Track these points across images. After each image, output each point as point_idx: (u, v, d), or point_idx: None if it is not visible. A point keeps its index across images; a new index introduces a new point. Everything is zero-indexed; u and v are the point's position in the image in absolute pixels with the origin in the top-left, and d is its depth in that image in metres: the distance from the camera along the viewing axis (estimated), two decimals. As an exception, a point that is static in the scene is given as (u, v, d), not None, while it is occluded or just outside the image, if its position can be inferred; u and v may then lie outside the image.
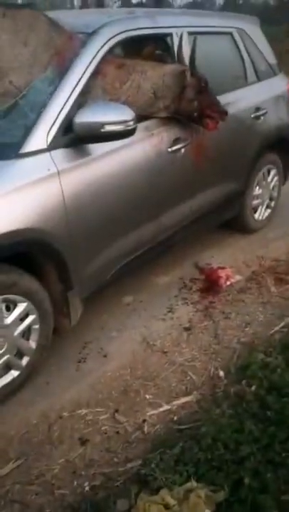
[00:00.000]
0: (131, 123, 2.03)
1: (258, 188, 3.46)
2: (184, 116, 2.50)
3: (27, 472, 1.80)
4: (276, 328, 2.56)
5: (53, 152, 2.00)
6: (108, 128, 1.99)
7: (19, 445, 1.92)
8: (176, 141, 2.54)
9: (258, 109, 3.21)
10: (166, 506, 1.57)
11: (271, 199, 3.66)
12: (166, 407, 2.08)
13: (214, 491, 1.62)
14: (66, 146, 2.04)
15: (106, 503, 1.63)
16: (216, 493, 1.61)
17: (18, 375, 2.12)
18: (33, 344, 2.14)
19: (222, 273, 3.01)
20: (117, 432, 1.97)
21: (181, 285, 2.97)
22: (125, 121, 2.02)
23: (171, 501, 1.59)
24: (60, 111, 2.03)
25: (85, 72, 2.15)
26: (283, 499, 1.60)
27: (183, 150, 2.58)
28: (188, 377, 2.25)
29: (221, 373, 2.25)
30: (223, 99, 2.69)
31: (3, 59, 2.22)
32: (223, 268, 3.06)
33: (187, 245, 3.18)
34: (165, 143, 2.48)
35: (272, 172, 3.58)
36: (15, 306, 2.02)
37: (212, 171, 2.90)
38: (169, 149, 2.51)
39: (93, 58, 2.20)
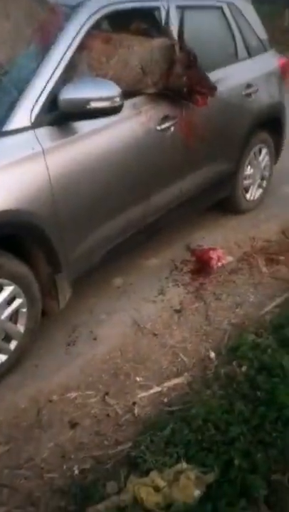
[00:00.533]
0: (117, 99, 1.96)
1: (249, 167, 3.41)
2: (173, 92, 2.43)
3: (16, 456, 1.78)
4: (267, 309, 2.54)
5: (38, 130, 1.94)
6: (94, 104, 1.93)
7: (8, 429, 1.89)
8: (164, 119, 2.47)
9: (249, 86, 3.14)
10: (156, 488, 1.56)
11: (263, 179, 3.61)
12: (156, 389, 2.06)
13: (204, 472, 1.61)
14: (51, 123, 1.98)
15: (95, 487, 1.61)
16: (206, 474, 1.61)
17: (7, 359, 2.09)
18: (21, 328, 2.10)
19: (213, 254, 2.98)
20: (107, 415, 1.95)
21: (172, 267, 2.94)
22: (111, 98, 1.95)
23: (161, 483, 1.58)
24: (44, 87, 1.96)
25: (69, 47, 2.07)
26: (273, 479, 1.60)
27: (172, 128, 2.51)
28: (179, 359, 2.23)
29: (212, 354, 2.23)
30: (213, 75, 2.62)
31: (-16, 34, 2.13)
32: (214, 249, 3.03)
33: (178, 227, 3.13)
34: (153, 121, 2.41)
35: (264, 151, 3.52)
36: (1, 289, 1.98)
37: (202, 150, 2.84)
38: (158, 127, 2.44)
39: (78, 32, 2.12)
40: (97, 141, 2.14)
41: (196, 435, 1.74)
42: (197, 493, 1.55)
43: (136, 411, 1.96)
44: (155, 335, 2.39)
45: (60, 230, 2.04)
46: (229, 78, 3.00)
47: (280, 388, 1.90)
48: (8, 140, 1.87)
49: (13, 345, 2.10)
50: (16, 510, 1.59)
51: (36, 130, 1.93)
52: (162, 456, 1.68)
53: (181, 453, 1.69)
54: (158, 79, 2.33)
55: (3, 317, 2.00)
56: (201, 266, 2.93)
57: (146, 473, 1.63)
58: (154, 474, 1.61)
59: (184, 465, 1.63)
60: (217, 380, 2.06)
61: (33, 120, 1.92)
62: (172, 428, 1.79)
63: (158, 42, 2.35)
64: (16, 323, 2.08)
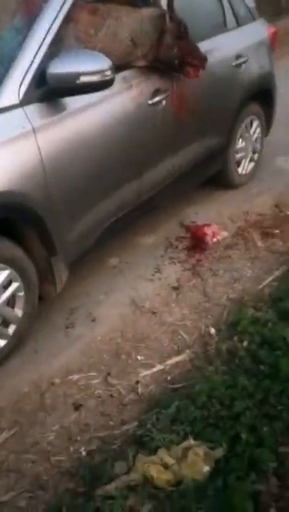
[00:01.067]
0: (108, 72, 1.89)
1: (240, 140, 3.36)
2: (164, 64, 2.36)
3: (22, 441, 1.77)
4: (265, 283, 2.54)
5: (27, 108, 1.86)
6: (84, 79, 1.85)
7: (11, 415, 1.88)
8: (156, 93, 2.40)
9: (238, 56, 3.06)
10: (165, 466, 1.56)
11: (254, 152, 3.56)
12: (159, 367, 2.06)
13: (212, 447, 1.62)
14: (40, 100, 1.90)
15: (104, 467, 1.61)
16: (213, 449, 1.61)
17: (6, 344, 2.06)
18: (18, 312, 2.07)
19: (208, 230, 2.95)
20: (111, 395, 1.94)
21: (167, 244, 2.91)
22: (102, 71, 1.88)
23: (170, 460, 1.58)
24: (32, 62, 1.88)
25: (55, 19, 1.98)
26: (281, 451, 1.61)
27: (164, 102, 2.45)
28: (180, 337, 2.22)
29: (212, 331, 2.22)
30: (201, 46, 2.54)
31: None
32: (208, 225, 3.00)
33: (171, 203, 3.09)
34: (145, 95, 2.34)
35: (255, 123, 3.47)
36: (-3, 274, 1.94)
37: (194, 124, 2.77)
38: (149, 101, 2.37)
39: (63, 3, 2.02)
40: (88, 117, 2.07)
41: (202, 411, 1.74)
42: (206, 468, 1.56)
43: (139, 390, 1.95)
44: (154, 313, 2.37)
45: (53, 211, 1.99)
46: (218, 49, 2.92)
47: (282, 361, 1.90)
48: (-3, 119, 1.80)
49: (11, 330, 2.07)
50: (24, 494, 1.59)
51: (25, 107, 1.86)
52: (169, 434, 1.68)
53: (187, 430, 1.68)
54: (148, 51, 2.26)
55: (0, 302, 1.97)
56: (196, 242, 2.91)
57: (154, 451, 1.63)
58: (162, 452, 1.61)
59: (191, 441, 1.63)
60: (219, 355, 2.05)
61: (21, 97, 1.85)
62: (177, 405, 1.79)
63: (147, 12, 2.26)
64: (13, 307, 2.05)
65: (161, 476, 1.53)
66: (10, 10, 2.02)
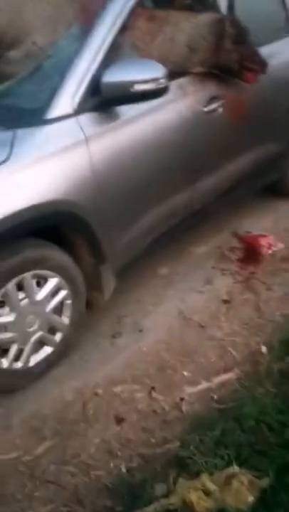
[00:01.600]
0: (162, 80, 1.85)
1: (301, 148, 3.20)
2: (222, 70, 2.29)
3: (62, 452, 1.76)
4: None
5: (80, 117, 1.86)
6: (138, 87, 1.82)
7: (54, 423, 1.87)
8: (212, 100, 2.33)
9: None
10: (207, 492, 1.49)
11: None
12: (205, 384, 1.98)
13: (258, 476, 1.53)
14: (94, 109, 1.89)
15: (143, 487, 1.56)
16: (259, 479, 1.52)
17: (52, 352, 2.07)
18: (66, 320, 2.07)
19: (263, 241, 2.83)
20: (154, 411, 1.89)
21: (219, 255, 2.81)
22: (156, 79, 1.84)
23: (212, 487, 1.51)
24: (86, 71, 1.88)
25: (112, 28, 1.97)
26: None
27: (220, 109, 2.37)
28: (228, 353, 2.13)
29: (264, 349, 2.12)
30: (262, 51, 2.44)
31: (25, 17, 2.07)
32: (264, 236, 2.88)
33: (225, 212, 2.99)
34: (201, 102, 2.28)
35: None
36: (46, 281, 1.94)
37: (251, 131, 2.68)
38: (205, 109, 2.31)
39: (121, 11, 2.01)
40: (141, 126, 2.04)
41: (249, 436, 1.66)
42: (250, 498, 1.47)
43: (183, 407, 1.89)
44: (202, 327, 2.30)
45: (103, 219, 1.97)
46: (279, 54, 2.80)
47: None
48: (51, 128, 1.81)
49: (58, 337, 2.07)
50: (63, 508, 1.57)
51: (79, 117, 1.86)
52: (212, 458, 1.61)
53: (232, 455, 1.60)
54: (206, 56, 2.19)
55: (48, 309, 1.97)
56: (250, 253, 2.80)
57: (196, 475, 1.56)
58: (204, 477, 1.54)
59: (236, 468, 1.55)
60: (270, 376, 1.95)
61: (75, 106, 1.85)
62: (223, 427, 1.71)
63: (205, 17, 2.20)
64: (60, 315, 2.05)
65: (201, 503, 1.46)
66: (68, 19, 2.03)
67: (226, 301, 2.46)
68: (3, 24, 2.01)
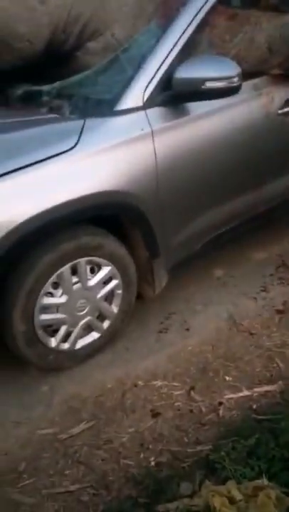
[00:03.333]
0: (235, 79, 1.82)
1: None
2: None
3: (96, 436, 1.80)
4: None
5: (149, 110, 1.88)
6: (209, 84, 1.81)
7: (92, 407, 1.92)
8: (288, 103, 2.26)
9: None
10: (232, 500, 1.46)
11: None
12: (246, 392, 1.94)
13: (287, 493, 1.47)
14: (163, 104, 1.91)
15: (169, 483, 1.56)
16: (288, 496, 1.47)
17: (99, 338, 2.12)
18: (115, 309, 2.11)
19: None
20: (191, 411, 1.88)
21: (279, 263, 2.73)
22: (229, 77, 1.82)
23: (238, 495, 1.47)
24: (160, 66, 1.89)
25: (190, 24, 1.96)
26: None
27: (296, 112, 2.30)
28: (275, 365, 2.07)
29: (313, 365, 2.04)
30: None
31: (108, 10, 2.12)
32: None
33: (289, 220, 2.90)
34: (275, 104, 2.22)
35: None
36: (99, 268, 1.99)
37: None
38: (280, 111, 2.25)
39: (201, 9, 2.00)
40: (209, 123, 2.03)
41: (283, 451, 1.60)
42: (276, 514, 1.42)
43: (221, 412, 1.86)
44: (251, 334, 2.24)
45: (161, 214, 1.98)
46: None
47: None
48: (119, 120, 1.85)
49: (106, 324, 2.12)
50: (89, 490, 1.61)
51: (148, 110, 1.88)
52: (243, 467, 1.57)
53: (263, 467, 1.56)
54: (286, 58, 2.13)
55: (98, 296, 2.02)
56: (313, 266, 2.69)
57: (223, 481, 1.53)
58: (231, 484, 1.51)
59: (265, 481, 1.51)
60: (315, 393, 1.88)
61: (145, 100, 1.87)
62: (257, 438, 1.67)
63: (289, 18, 2.14)
64: (110, 303, 2.09)
65: (224, 510, 1.43)
66: (148, 13, 2.05)
67: (279, 311, 2.38)
68: (87, 15, 2.06)
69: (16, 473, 1.68)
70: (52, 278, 1.84)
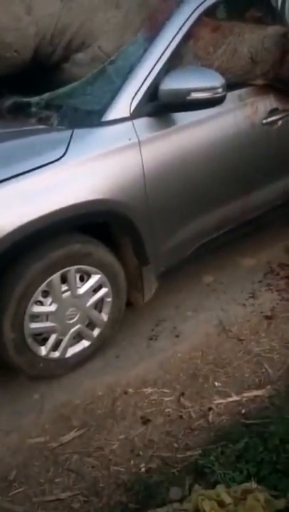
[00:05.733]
0: (220, 90, 1.87)
1: None
2: (285, 83, 2.26)
3: (87, 443, 1.81)
4: None
5: (136, 121, 1.92)
6: (195, 95, 1.85)
7: (83, 415, 1.93)
8: (272, 112, 2.31)
9: None
10: (221, 503, 1.47)
11: None
12: (235, 397, 1.96)
13: (275, 496, 1.49)
14: (149, 114, 1.95)
15: (159, 489, 1.58)
16: (276, 498, 1.48)
17: (89, 346, 2.13)
18: (105, 316, 2.13)
19: (315, 260, 2.75)
20: (181, 417, 1.90)
21: (268, 270, 2.76)
22: (213, 88, 1.86)
23: (227, 499, 1.49)
24: (146, 77, 1.94)
25: (175, 36, 2.02)
26: None
27: (279, 122, 2.34)
28: (263, 370, 2.09)
29: (301, 369, 2.07)
30: None
31: (95, 23, 2.16)
32: (317, 255, 2.80)
33: (278, 227, 2.94)
34: (260, 113, 2.27)
35: None
36: (89, 277, 2.01)
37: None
38: (264, 121, 2.29)
39: (186, 20, 2.06)
40: (195, 133, 2.07)
41: (271, 455, 1.62)
42: (265, 517, 1.44)
43: (210, 417, 1.88)
44: (240, 340, 2.27)
45: (150, 222, 2.01)
46: None
47: None
48: (106, 130, 1.89)
49: (96, 332, 2.13)
50: (80, 497, 1.62)
51: (134, 121, 1.91)
52: (232, 471, 1.59)
53: (252, 471, 1.58)
54: (268, 69, 2.18)
55: (88, 304, 2.04)
56: (301, 272, 2.73)
57: (213, 485, 1.55)
58: (220, 488, 1.52)
59: (253, 484, 1.52)
60: (302, 398, 1.90)
61: (132, 111, 1.91)
62: (246, 442, 1.69)
63: (272, 29, 2.19)
64: (100, 311, 2.11)
65: (214, 514, 1.45)
66: (135, 25, 2.09)
67: (268, 317, 2.41)
68: (74, 27, 2.10)
69: (7, 481, 1.69)
70: (42, 286, 1.86)
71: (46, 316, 1.94)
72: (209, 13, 2.18)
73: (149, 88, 1.92)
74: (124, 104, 1.90)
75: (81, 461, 1.75)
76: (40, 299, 1.89)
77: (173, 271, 2.31)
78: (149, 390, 2.02)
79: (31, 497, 1.63)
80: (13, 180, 1.70)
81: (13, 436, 1.85)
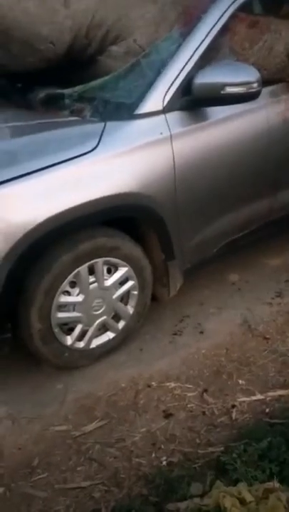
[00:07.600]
0: (255, 85, 1.85)
1: None
2: None
3: (109, 434, 1.82)
4: None
5: (168, 115, 1.92)
6: (229, 90, 1.84)
7: (105, 406, 1.94)
8: (306, 110, 2.28)
9: None
10: (242, 501, 1.46)
11: None
12: (259, 396, 1.94)
13: (298, 497, 1.47)
14: (182, 108, 1.94)
15: (180, 483, 1.57)
16: (299, 499, 1.47)
17: (114, 338, 2.14)
18: (130, 309, 2.13)
19: None
20: (203, 413, 1.89)
21: (295, 269, 2.74)
22: (248, 83, 1.84)
23: (249, 497, 1.47)
24: (180, 71, 1.93)
25: (211, 31, 2.00)
26: None
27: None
28: (289, 370, 2.07)
29: None
30: None
31: (131, 17, 2.16)
32: None
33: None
34: (293, 110, 2.24)
35: None
36: (116, 269, 2.02)
37: None
38: (298, 118, 2.26)
39: (222, 15, 2.04)
40: (228, 129, 2.05)
41: (295, 455, 1.60)
42: (287, 517, 1.42)
43: (233, 415, 1.86)
44: (266, 339, 2.25)
45: (177, 217, 2.01)
46: None
47: None
48: (139, 123, 1.89)
49: (121, 324, 2.14)
50: (101, 487, 1.63)
51: (167, 114, 1.91)
52: (254, 469, 1.58)
53: (275, 470, 1.56)
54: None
55: (114, 296, 2.05)
56: None
57: (234, 482, 1.54)
58: (242, 486, 1.51)
59: (276, 484, 1.51)
60: None
61: (165, 104, 1.91)
62: (269, 441, 1.67)
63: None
64: (126, 304, 2.12)
65: (235, 510, 1.43)
66: (170, 20, 2.08)
67: (294, 317, 2.38)
68: (110, 21, 2.11)
69: (30, 468, 1.71)
70: (69, 277, 1.87)
71: (73, 306, 1.96)
72: (245, 8, 2.16)
73: (182, 82, 1.91)
74: (157, 98, 1.90)
75: (103, 452, 1.76)
76: (68, 289, 1.91)
77: (198, 268, 2.31)
78: (172, 384, 2.02)
79: (53, 484, 1.65)
80: (46, 171, 1.72)
81: (36, 424, 1.87)
